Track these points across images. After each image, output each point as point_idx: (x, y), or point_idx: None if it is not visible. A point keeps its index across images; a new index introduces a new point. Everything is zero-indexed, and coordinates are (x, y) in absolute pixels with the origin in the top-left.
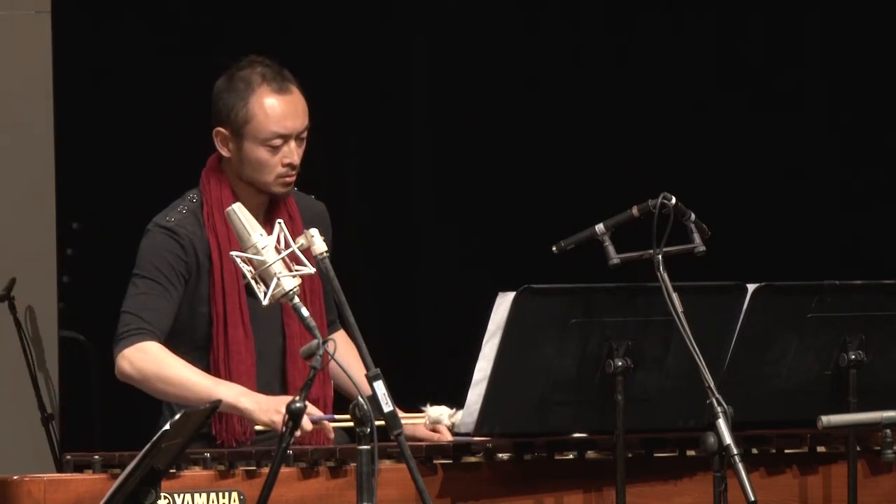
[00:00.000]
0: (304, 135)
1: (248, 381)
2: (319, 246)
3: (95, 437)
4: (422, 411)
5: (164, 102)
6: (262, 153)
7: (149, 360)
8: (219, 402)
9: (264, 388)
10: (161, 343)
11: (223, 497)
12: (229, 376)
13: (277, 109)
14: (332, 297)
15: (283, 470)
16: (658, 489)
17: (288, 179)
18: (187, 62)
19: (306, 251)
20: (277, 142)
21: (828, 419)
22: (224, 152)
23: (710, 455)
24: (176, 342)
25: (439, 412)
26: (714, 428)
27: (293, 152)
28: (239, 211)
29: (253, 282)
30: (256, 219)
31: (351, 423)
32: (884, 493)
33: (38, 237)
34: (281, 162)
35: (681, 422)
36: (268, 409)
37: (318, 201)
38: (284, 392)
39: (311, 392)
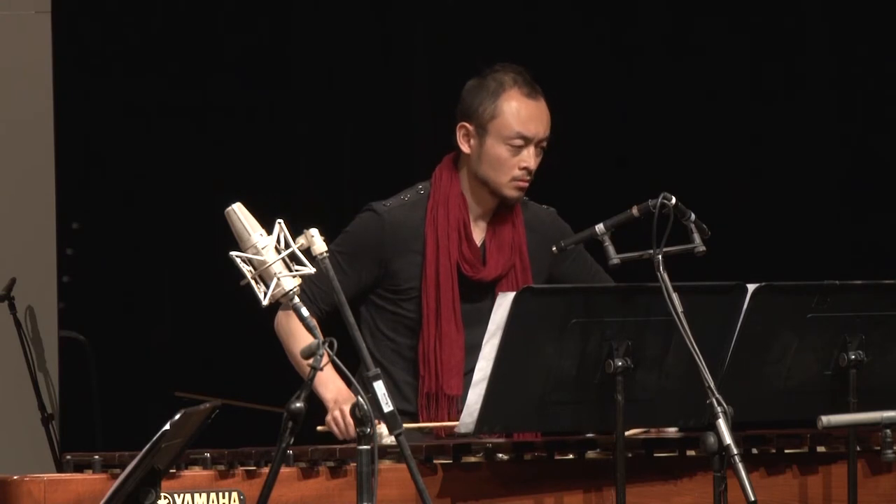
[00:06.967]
0: (544, 144)
1: (456, 374)
2: (319, 246)
3: (95, 437)
4: None
5: (165, 102)
6: (503, 151)
7: (285, 326)
8: (220, 403)
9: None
10: (316, 316)
11: (223, 497)
12: (440, 368)
13: (524, 111)
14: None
15: (283, 470)
16: (658, 489)
17: (521, 184)
18: (187, 62)
19: (306, 251)
20: (519, 142)
21: (828, 419)
22: (464, 148)
23: (710, 455)
24: (382, 323)
25: None
26: (714, 428)
27: (531, 157)
28: (238, 211)
29: (253, 282)
30: (482, 221)
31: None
32: (884, 493)
33: (38, 237)
34: (518, 164)
35: (681, 422)
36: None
37: (547, 208)
38: None
39: None
